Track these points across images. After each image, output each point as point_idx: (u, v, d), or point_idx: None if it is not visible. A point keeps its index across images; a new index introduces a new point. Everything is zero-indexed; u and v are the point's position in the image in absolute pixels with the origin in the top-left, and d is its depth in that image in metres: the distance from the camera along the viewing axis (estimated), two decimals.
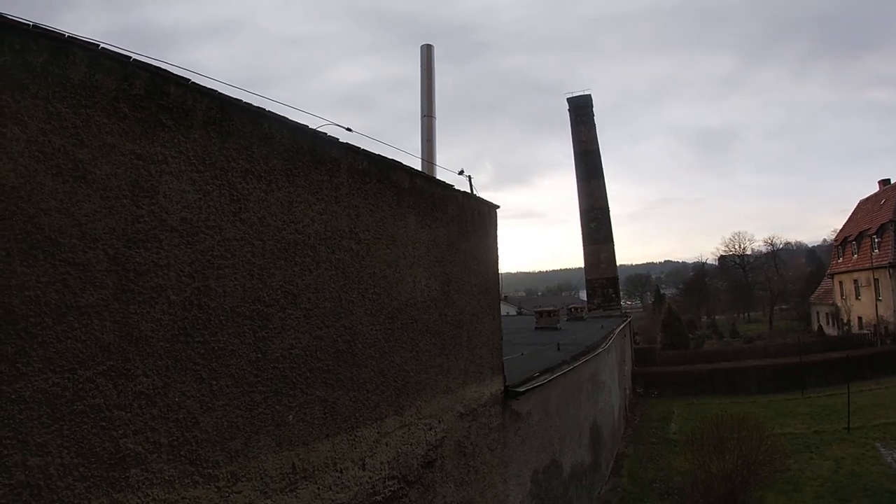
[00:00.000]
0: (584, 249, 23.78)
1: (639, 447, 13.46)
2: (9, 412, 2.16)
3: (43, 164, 2.27)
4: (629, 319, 22.60)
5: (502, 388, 6.56)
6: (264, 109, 3.27)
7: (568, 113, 25.66)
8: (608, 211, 23.97)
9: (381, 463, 4.16)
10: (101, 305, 2.46)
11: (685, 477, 9.66)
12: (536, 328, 17.27)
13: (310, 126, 3.65)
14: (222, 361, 3.00)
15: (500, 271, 6.69)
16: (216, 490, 2.88)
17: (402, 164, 4.54)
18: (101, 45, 2.48)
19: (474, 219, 5.92)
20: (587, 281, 24.09)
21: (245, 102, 3.15)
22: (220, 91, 3.02)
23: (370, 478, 4.01)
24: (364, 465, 3.96)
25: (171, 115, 2.76)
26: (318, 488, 3.50)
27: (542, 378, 7.74)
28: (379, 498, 4.09)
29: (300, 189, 3.53)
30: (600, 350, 11.51)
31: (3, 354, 2.15)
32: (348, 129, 4.06)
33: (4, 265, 2.16)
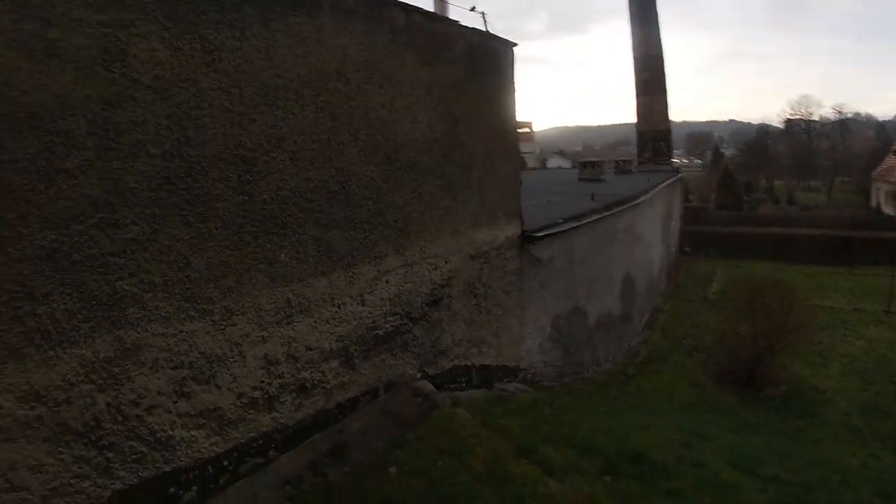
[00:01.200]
0: (637, 101, 22.34)
1: (677, 304, 13.76)
2: (17, 269, 2.48)
3: (16, 51, 2.45)
4: (680, 175, 21.81)
5: (520, 232, 6.68)
6: None
7: None
8: (662, 60, 22.00)
9: (382, 299, 4.47)
10: (86, 165, 2.68)
11: (715, 336, 9.93)
12: (579, 179, 17.02)
13: None
14: (208, 205, 3.19)
15: (523, 119, 6.50)
16: (212, 323, 3.22)
17: (394, 0, 4.25)
18: None
19: (486, 57, 5.61)
20: (638, 133, 22.98)
21: None
22: None
23: (370, 313, 4.35)
24: (363, 300, 4.28)
25: None
26: (315, 321, 3.85)
27: (564, 225, 7.81)
28: (380, 332, 4.46)
29: (278, 34, 3.45)
30: (637, 202, 11.33)
31: (5, 220, 2.43)
32: None
33: (6, 140, 2.42)
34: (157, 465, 2.99)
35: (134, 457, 2.90)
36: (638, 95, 22.26)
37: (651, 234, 13.43)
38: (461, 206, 5.44)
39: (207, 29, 3.09)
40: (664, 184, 15.38)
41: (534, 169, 33.81)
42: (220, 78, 3.16)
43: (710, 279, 16.15)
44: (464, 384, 5.67)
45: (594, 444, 4.09)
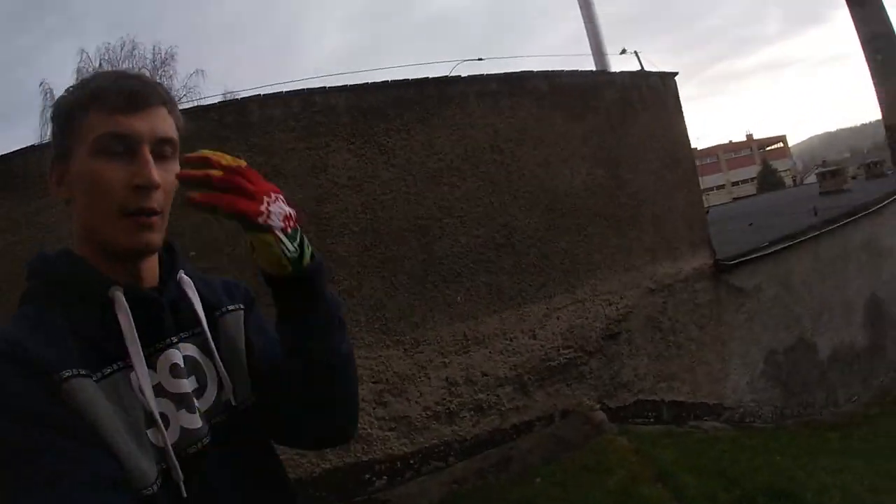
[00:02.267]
0: (876, 90, 18.88)
1: None
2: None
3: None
4: None
5: (711, 261, 6.64)
6: (388, 81, 4.51)
7: None
8: (895, 37, 18.46)
9: (554, 334, 5.07)
10: (310, 242, 4.03)
11: None
12: (821, 193, 15.17)
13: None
14: (397, 264, 4.32)
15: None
16: (403, 350, 4.27)
17: (533, 72, 5.06)
18: (262, 94, 3.92)
19: (643, 95, 5.99)
20: (886, 128, 19.24)
21: (372, 83, 4.49)
22: (350, 83, 4.35)
23: (542, 346, 4.99)
24: (534, 335, 4.95)
25: (323, 115, 4.32)
26: (490, 352, 4.65)
27: (769, 248, 7.42)
28: (553, 364, 5.05)
29: (435, 127, 4.55)
30: (874, 210, 9.91)
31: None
32: (479, 59, 4.82)
33: (238, 234, 3.88)
34: (358, 455, 4.15)
35: (341, 446, 4.05)
36: (876, 84, 18.90)
37: None
38: (633, 242, 5.78)
39: (381, 136, 4.30)
40: None
41: (774, 190, 30.66)
42: (396, 170, 4.32)
43: None
44: (651, 419, 5.83)
45: (745, 480, 4.00)
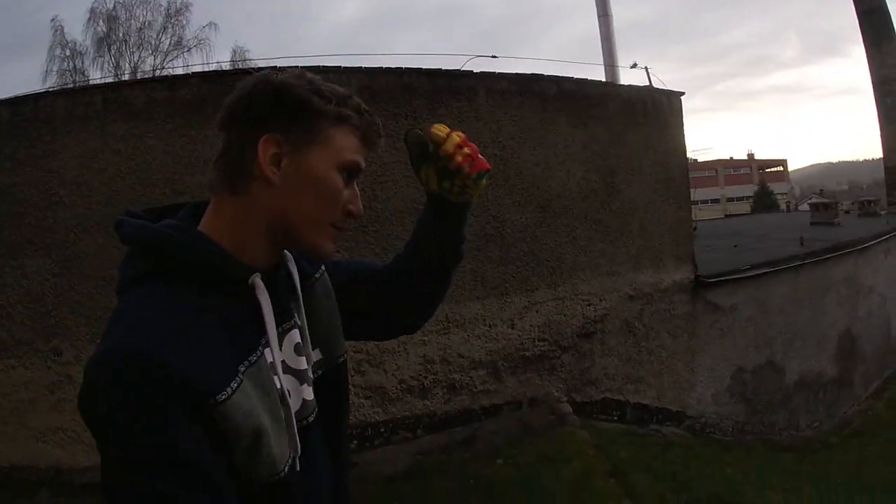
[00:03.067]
0: (881, 131, 19.33)
1: None
2: None
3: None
4: None
5: (692, 276, 6.96)
6: (402, 68, 4.70)
7: None
8: None
9: (531, 326, 5.38)
10: None
11: None
12: (811, 223, 15.55)
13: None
14: (390, 242, 4.65)
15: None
16: None
17: (543, 75, 5.31)
18: (278, 66, 4.19)
19: (647, 110, 6.25)
20: (886, 169, 19.68)
21: (386, 67, 4.75)
22: (365, 66, 4.55)
23: (519, 336, 5.30)
24: (513, 324, 5.26)
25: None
26: (468, 336, 4.97)
27: (751, 271, 7.75)
28: (528, 354, 5.37)
29: (442, 117, 4.75)
30: (860, 247, 10.26)
31: None
32: (493, 57, 5.07)
33: None
34: None
35: None
36: (882, 125, 19.35)
37: (887, 288, 11.78)
38: (619, 249, 6.08)
39: (388, 120, 4.51)
40: None
41: (768, 212, 31.08)
42: (399, 154, 4.55)
43: None
44: (615, 417, 6.18)
45: (695, 486, 4.30)
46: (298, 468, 0.83)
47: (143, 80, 4.47)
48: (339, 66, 4.62)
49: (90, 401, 0.70)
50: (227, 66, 18.60)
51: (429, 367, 4.76)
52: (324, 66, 4.56)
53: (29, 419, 4.37)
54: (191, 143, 4.30)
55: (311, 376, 0.93)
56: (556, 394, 5.61)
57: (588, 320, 5.85)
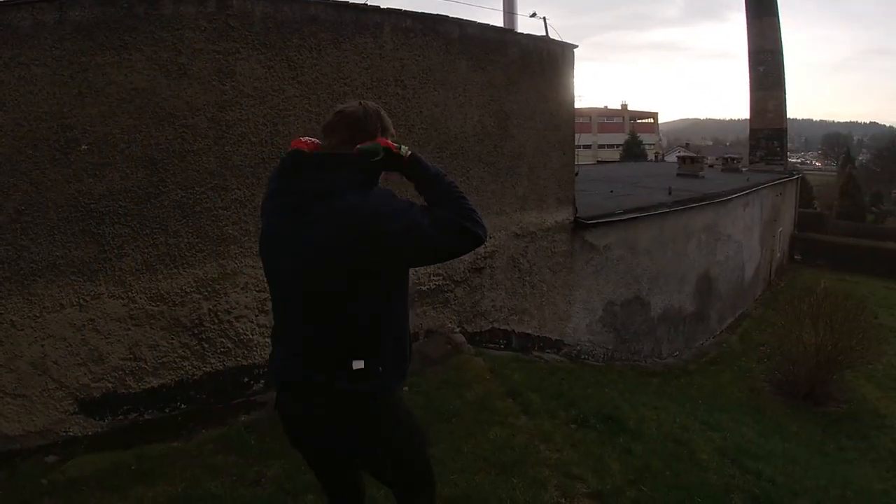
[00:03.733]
0: (751, 96, 21.68)
1: (767, 311, 13.65)
2: (157, 214, 4.15)
3: (157, 71, 4.09)
4: (796, 178, 20.88)
5: (571, 218, 7.62)
6: (329, 0, 4.61)
7: None
8: (781, 54, 21.03)
9: None
10: (206, 149, 4.31)
11: (777, 343, 10.09)
12: (678, 174, 17.14)
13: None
14: None
15: (575, 109, 7.34)
16: None
17: (448, 17, 5.50)
18: None
19: (542, 59, 6.64)
20: (751, 131, 22.28)
21: None
22: None
23: (415, 272, 5.62)
24: None
25: (237, 20, 4.35)
26: None
27: (623, 215, 8.58)
28: (423, 288, 5.75)
29: (347, 52, 4.86)
30: (722, 200, 11.61)
31: (151, 183, 4.08)
32: None
33: (153, 131, 4.08)
34: (238, 359, 4.60)
35: (222, 350, 4.52)
36: (752, 91, 21.63)
37: (743, 236, 13.47)
38: (508, 190, 6.54)
39: (292, 52, 4.56)
40: (766, 185, 15.17)
41: (636, 161, 33.59)
42: (302, 88, 4.63)
43: (812, 290, 15.67)
44: (502, 346, 6.80)
45: (581, 403, 4.89)
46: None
47: (30, 1, 4.00)
48: None
49: (379, 212, 1.57)
50: None
51: None
52: None
53: None
54: (81, 71, 3.95)
55: None
56: (449, 325, 6.08)
57: (479, 256, 6.31)
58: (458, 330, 6.17)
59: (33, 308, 3.93)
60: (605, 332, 8.69)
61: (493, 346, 6.67)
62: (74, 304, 4.04)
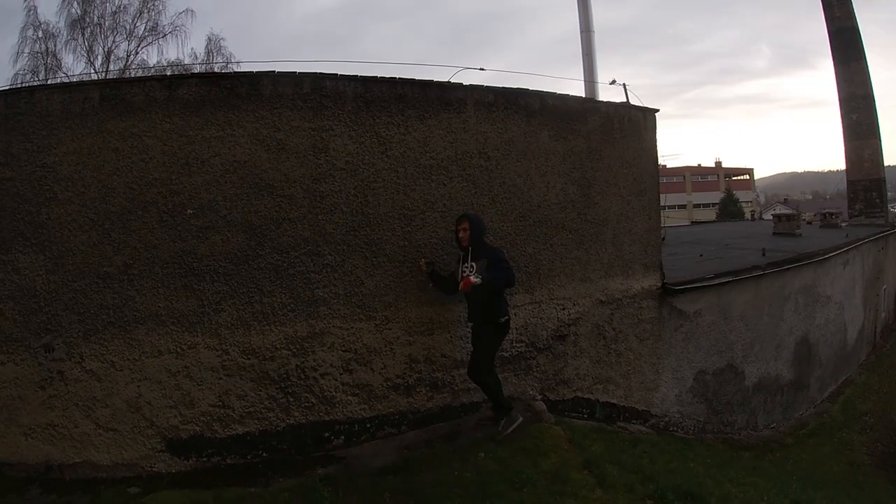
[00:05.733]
0: (845, 146, 20.59)
1: (872, 376, 12.50)
2: (254, 275, 4.48)
3: (258, 145, 4.52)
4: None
5: (659, 284, 7.39)
6: (396, 78, 4.91)
7: None
8: (872, 99, 19.99)
9: (510, 327, 5.70)
10: (301, 217, 4.66)
11: (885, 412, 9.18)
12: (774, 233, 16.35)
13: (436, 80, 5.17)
14: (379, 246, 4.89)
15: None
16: (374, 325, 4.86)
17: (529, 90, 5.64)
18: (276, 70, 4.42)
19: (623, 126, 6.63)
20: (848, 182, 21.03)
21: (381, 77, 4.91)
22: (360, 75, 4.84)
23: None
24: None
25: (331, 100, 4.75)
26: (451, 336, 5.28)
27: (714, 280, 8.23)
28: (506, 354, 5.70)
29: (432, 127, 5.10)
30: (819, 259, 10.92)
31: (250, 246, 4.36)
32: (481, 69, 5.37)
33: (252, 199, 4.45)
34: (321, 414, 4.80)
35: (306, 405, 4.75)
36: (846, 140, 20.57)
37: (843, 296, 12.54)
38: (592, 257, 6.46)
39: (381, 128, 4.87)
40: (866, 240, 14.17)
41: (732, 220, 32.37)
42: (390, 161, 4.89)
43: None
44: (585, 415, 6.57)
45: (661, 478, 4.65)
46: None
47: (142, 78, 4.60)
48: (336, 74, 4.81)
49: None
50: (201, 55, 18.49)
51: (413, 366, 5.06)
52: (321, 74, 4.75)
53: (18, 415, 4.45)
54: (188, 144, 4.46)
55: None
56: (531, 392, 5.96)
57: (562, 323, 6.21)
58: (539, 398, 6.03)
59: (133, 352, 4.39)
60: (695, 402, 8.22)
61: (575, 415, 6.46)
62: (172, 351, 4.46)
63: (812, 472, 7.84)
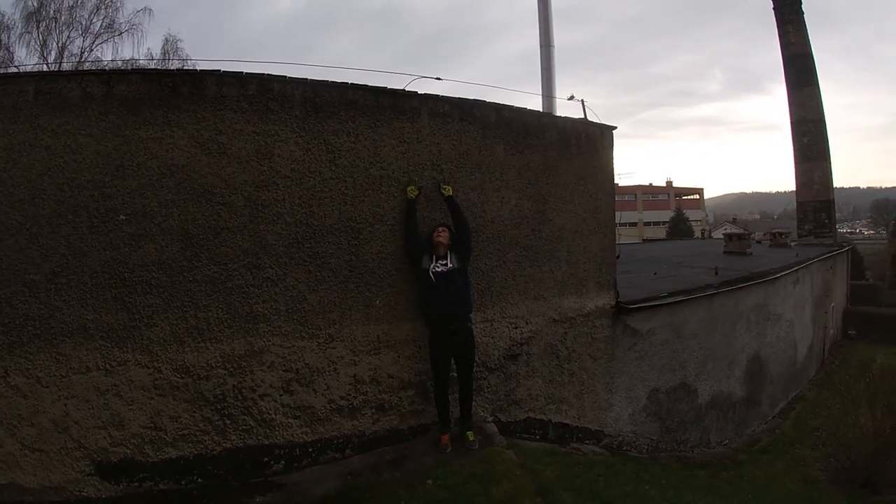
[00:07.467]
0: (796, 168, 21.60)
1: (822, 392, 12.90)
2: (188, 288, 4.24)
3: (197, 148, 4.30)
4: (846, 249, 20.28)
5: (613, 302, 7.40)
6: (347, 83, 4.74)
7: (773, 11, 22.47)
8: (824, 123, 21.04)
9: None
10: (241, 226, 4.44)
11: (831, 427, 9.43)
12: (725, 252, 16.77)
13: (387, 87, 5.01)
14: (324, 260, 4.71)
15: (620, 186, 7.30)
16: (317, 344, 4.67)
17: (485, 101, 5.58)
18: (221, 70, 4.20)
19: (580, 142, 6.64)
20: (798, 203, 22.03)
21: (332, 82, 4.71)
22: (310, 78, 4.61)
23: None
24: None
25: (277, 103, 4.55)
26: (398, 356, 5.13)
27: (668, 298, 8.31)
28: (456, 375, 5.56)
29: (384, 136, 4.96)
30: (772, 278, 11.22)
31: (185, 257, 4.13)
32: (438, 79, 5.26)
33: (189, 206, 4.24)
34: (259, 437, 4.56)
35: (244, 427, 4.50)
36: (797, 163, 21.50)
37: (793, 314, 12.92)
38: (547, 275, 6.41)
39: (330, 135, 4.72)
40: (816, 259, 14.68)
41: (683, 238, 33.28)
42: (338, 170, 4.74)
43: (868, 367, 14.80)
44: (538, 437, 6.49)
45: (615, 502, 4.66)
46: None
47: (80, 72, 4.31)
48: (285, 77, 4.60)
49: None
50: (157, 55, 17.98)
51: (359, 387, 4.87)
52: (268, 75, 4.54)
53: None
54: (124, 144, 4.19)
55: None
56: (482, 413, 5.84)
57: (514, 342, 6.14)
58: (490, 419, 5.92)
59: (60, 367, 4.12)
60: (649, 421, 8.26)
61: (527, 436, 6.38)
62: (101, 367, 4.20)
63: (767, 489, 7.94)
